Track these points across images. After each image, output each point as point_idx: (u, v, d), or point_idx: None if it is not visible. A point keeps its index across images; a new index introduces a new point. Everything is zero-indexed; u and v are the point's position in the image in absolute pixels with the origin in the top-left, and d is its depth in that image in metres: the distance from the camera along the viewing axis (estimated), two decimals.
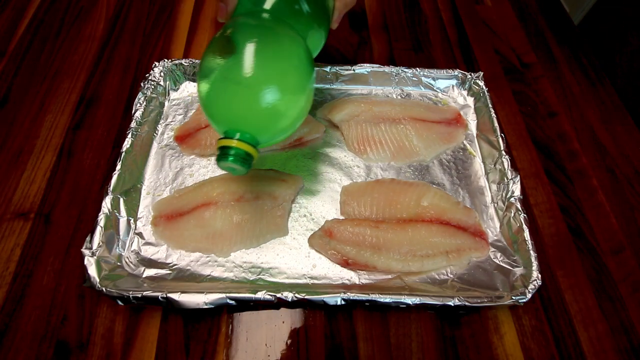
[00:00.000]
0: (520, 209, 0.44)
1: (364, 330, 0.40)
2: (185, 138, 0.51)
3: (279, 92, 0.33)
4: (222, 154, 0.33)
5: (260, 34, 0.36)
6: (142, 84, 0.52)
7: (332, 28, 0.43)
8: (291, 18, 0.38)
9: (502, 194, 0.47)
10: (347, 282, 0.42)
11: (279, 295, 0.37)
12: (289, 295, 0.37)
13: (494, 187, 0.49)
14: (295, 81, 0.35)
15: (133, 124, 0.48)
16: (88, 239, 0.40)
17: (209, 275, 0.42)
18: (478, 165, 0.51)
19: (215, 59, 0.34)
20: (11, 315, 0.39)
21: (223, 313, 0.41)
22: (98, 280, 0.37)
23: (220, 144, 0.34)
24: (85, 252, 0.39)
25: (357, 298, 0.38)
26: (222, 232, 0.43)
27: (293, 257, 0.43)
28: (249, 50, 0.34)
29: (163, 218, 0.45)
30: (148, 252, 0.43)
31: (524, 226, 0.43)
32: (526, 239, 0.42)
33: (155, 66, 0.54)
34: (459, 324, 0.41)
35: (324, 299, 0.38)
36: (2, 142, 0.51)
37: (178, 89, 0.56)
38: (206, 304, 0.37)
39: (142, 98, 0.51)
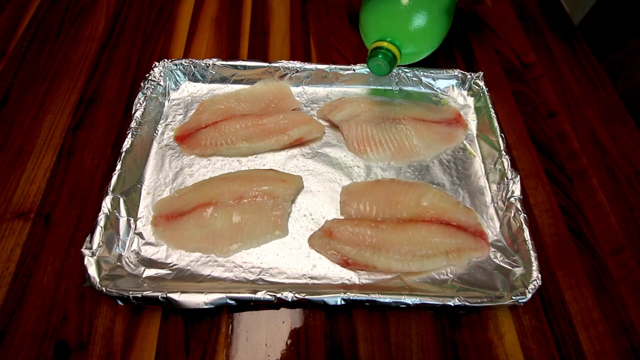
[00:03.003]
0: (520, 209, 0.44)
1: (364, 330, 0.40)
2: (185, 138, 0.51)
3: (431, 7, 0.46)
4: (374, 52, 0.45)
5: None
6: (142, 84, 0.52)
7: None
8: None
9: (502, 194, 0.47)
10: (347, 282, 0.42)
11: (279, 295, 0.37)
12: (289, 295, 0.37)
13: (494, 187, 0.49)
14: (444, 3, 0.48)
15: (133, 124, 0.48)
16: (88, 239, 0.40)
17: (209, 275, 0.42)
18: (478, 165, 0.51)
19: None
20: (11, 315, 0.39)
21: (223, 313, 0.41)
22: (98, 280, 0.37)
23: (373, 45, 0.46)
24: (85, 252, 0.39)
25: (357, 298, 0.38)
26: (222, 232, 0.43)
27: (293, 257, 0.43)
28: None
29: (163, 218, 0.45)
30: (148, 252, 0.43)
31: (524, 226, 0.43)
32: (526, 239, 0.42)
33: (155, 66, 0.54)
34: (459, 324, 0.41)
35: (324, 299, 0.38)
36: (2, 142, 0.51)
37: (178, 89, 0.56)
38: (206, 304, 0.37)
39: (142, 98, 0.51)
